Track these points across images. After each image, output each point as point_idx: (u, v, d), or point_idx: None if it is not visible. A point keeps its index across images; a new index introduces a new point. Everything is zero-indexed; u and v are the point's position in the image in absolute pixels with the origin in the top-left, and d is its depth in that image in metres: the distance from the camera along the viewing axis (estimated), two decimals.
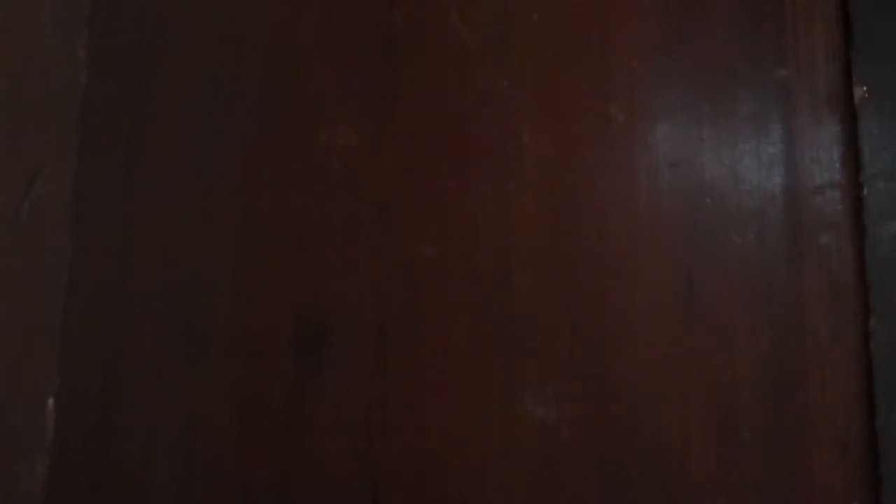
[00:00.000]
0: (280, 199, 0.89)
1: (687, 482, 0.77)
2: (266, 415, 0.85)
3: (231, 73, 0.93)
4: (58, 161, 0.91)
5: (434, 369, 0.83)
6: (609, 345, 0.81)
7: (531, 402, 0.81)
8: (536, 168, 0.85)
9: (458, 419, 0.82)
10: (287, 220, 0.88)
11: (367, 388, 0.84)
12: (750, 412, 0.78)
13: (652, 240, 0.82)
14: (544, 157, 0.85)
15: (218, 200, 0.90)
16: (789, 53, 0.83)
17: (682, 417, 0.79)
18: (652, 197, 0.83)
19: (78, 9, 0.95)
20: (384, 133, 0.88)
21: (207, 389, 0.86)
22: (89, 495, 0.86)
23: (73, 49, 0.94)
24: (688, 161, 0.83)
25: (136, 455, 0.86)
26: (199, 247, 0.90)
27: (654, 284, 0.81)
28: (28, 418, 0.87)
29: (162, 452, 0.86)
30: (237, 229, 0.89)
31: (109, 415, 0.88)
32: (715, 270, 0.81)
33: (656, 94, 0.85)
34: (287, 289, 0.87)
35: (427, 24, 0.90)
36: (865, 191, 0.78)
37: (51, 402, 0.88)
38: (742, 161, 0.83)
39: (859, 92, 0.80)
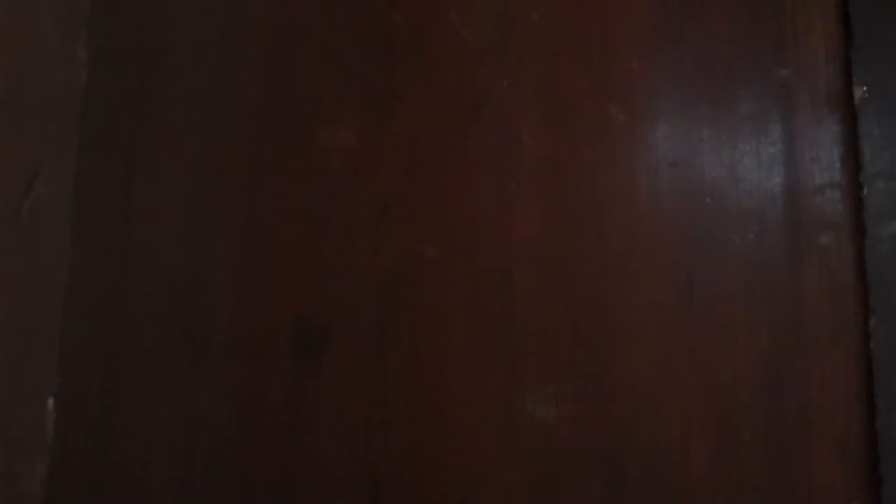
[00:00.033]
0: (280, 199, 0.89)
1: (687, 482, 0.77)
2: (266, 415, 0.85)
3: (231, 73, 0.93)
4: (58, 161, 0.91)
5: (434, 369, 0.83)
6: (609, 345, 0.81)
7: (531, 402, 0.81)
8: (536, 168, 0.85)
9: (458, 419, 0.82)
10: (287, 220, 0.88)
11: (367, 388, 0.84)
12: (750, 412, 0.78)
13: (652, 240, 0.82)
14: (544, 157, 0.85)
15: (218, 200, 0.90)
16: (789, 53, 0.83)
17: (682, 417, 0.79)
18: (652, 197, 0.83)
19: (78, 9, 0.95)
20: (384, 133, 0.88)
21: (207, 389, 0.86)
22: (89, 495, 0.86)
23: (73, 49, 0.94)
24: (688, 161, 0.83)
25: (136, 455, 0.86)
26: (199, 247, 0.90)
27: (654, 284, 0.81)
28: (28, 418, 0.87)
29: (162, 452, 0.86)
30: (237, 229, 0.89)
31: (109, 415, 0.88)
32: (715, 270, 0.81)
33: (656, 94, 0.85)
34: (287, 289, 0.87)
35: (427, 24, 0.90)
36: (865, 191, 0.78)
37: (51, 402, 0.88)
38: (742, 161, 0.83)
39: (859, 92, 0.80)
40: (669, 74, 0.85)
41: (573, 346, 0.81)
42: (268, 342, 0.86)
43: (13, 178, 0.86)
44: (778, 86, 0.83)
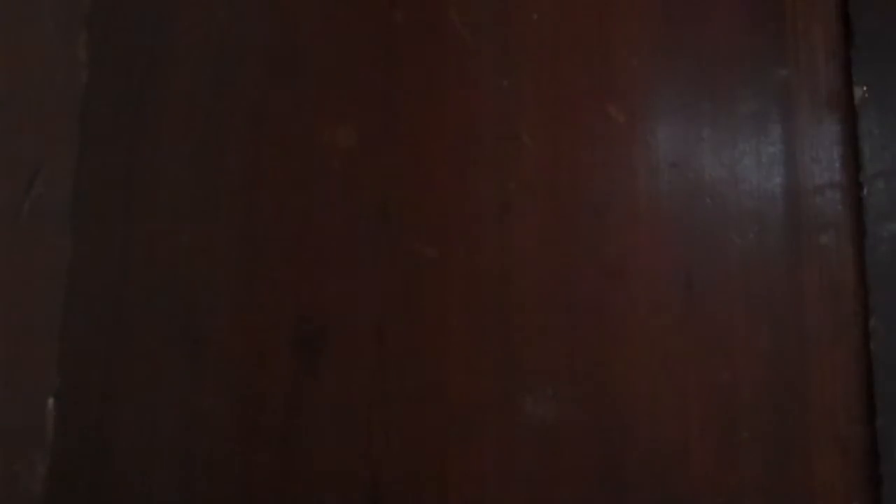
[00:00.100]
0: (280, 199, 0.89)
1: (687, 482, 0.77)
2: (266, 415, 0.85)
3: (231, 72, 0.93)
4: (58, 160, 0.91)
5: (434, 369, 0.83)
6: (609, 345, 0.81)
7: (531, 402, 0.81)
8: (536, 168, 0.85)
9: (458, 419, 0.82)
10: (287, 220, 0.88)
11: (367, 388, 0.84)
12: (750, 412, 0.78)
13: (652, 240, 0.82)
14: (544, 157, 0.85)
15: (218, 200, 0.90)
16: (789, 53, 0.83)
17: (682, 417, 0.79)
18: (652, 197, 0.83)
19: (78, 9, 0.95)
20: (384, 133, 0.88)
21: (207, 389, 0.86)
22: (89, 495, 0.86)
23: (73, 49, 0.94)
24: (688, 161, 0.83)
25: (136, 455, 0.86)
26: (199, 247, 0.90)
27: (653, 284, 0.81)
28: (28, 418, 0.87)
29: (162, 452, 0.86)
30: (237, 229, 0.89)
31: (109, 415, 0.88)
32: (715, 270, 0.81)
33: (656, 94, 0.85)
34: (287, 289, 0.87)
35: (427, 24, 0.90)
36: (865, 191, 0.78)
37: (51, 402, 0.88)
38: (742, 161, 0.83)
39: (859, 92, 0.80)
40: (669, 74, 0.85)
41: (573, 346, 0.81)
42: (268, 342, 0.86)
43: (13, 177, 0.86)
44: (778, 86, 0.83)
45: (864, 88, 0.80)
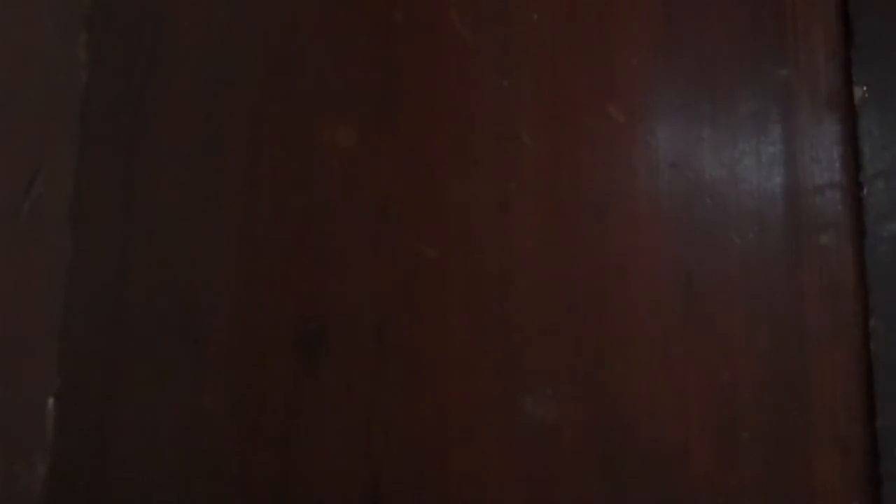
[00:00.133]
0: (280, 199, 0.89)
1: (687, 482, 0.77)
2: (266, 415, 0.85)
3: (231, 72, 0.93)
4: (58, 161, 0.91)
5: (434, 369, 0.83)
6: (609, 345, 0.81)
7: (531, 403, 0.81)
8: (536, 168, 0.85)
9: (458, 419, 0.82)
10: (287, 220, 0.88)
11: (367, 388, 0.84)
12: (750, 412, 0.78)
13: (652, 240, 0.82)
14: (544, 157, 0.85)
15: (218, 200, 0.90)
16: (789, 53, 0.83)
17: (682, 417, 0.79)
18: (652, 197, 0.83)
19: (78, 9, 0.95)
20: (384, 133, 0.88)
21: (207, 389, 0.86)
22: (89, 495, 0.86)
23: (73, 49, 0.94)
24: (688, 161, 0.83)
25: (136, 455, 0.86)
26: (199, 247, 0.90)
27: (654, 284, 0.81)
28: (28, 418, 0.87)
29: (162, 452, 0.86)
30: (237, 229, 0.89)
31: (109, 415, 0.88)
32: (715, 270, 0.81)
33: (656, 94, 0.85)
34: (287, 289, 0.87)
35: (427, 24, 0.90)
36: (865, 191, 0.78)
37: (51, 402, 0.88)
38: (742, 161, 0.83)
39: (859, 92, 0.80)
40: (669, 74, 0.85)
41: (573, 346, 0.81)
42: (268, 342, 0.86)
43: (13, 177, 0.86)
44: (778, 86, 0.83)
45: (864, 88, 0.80)
